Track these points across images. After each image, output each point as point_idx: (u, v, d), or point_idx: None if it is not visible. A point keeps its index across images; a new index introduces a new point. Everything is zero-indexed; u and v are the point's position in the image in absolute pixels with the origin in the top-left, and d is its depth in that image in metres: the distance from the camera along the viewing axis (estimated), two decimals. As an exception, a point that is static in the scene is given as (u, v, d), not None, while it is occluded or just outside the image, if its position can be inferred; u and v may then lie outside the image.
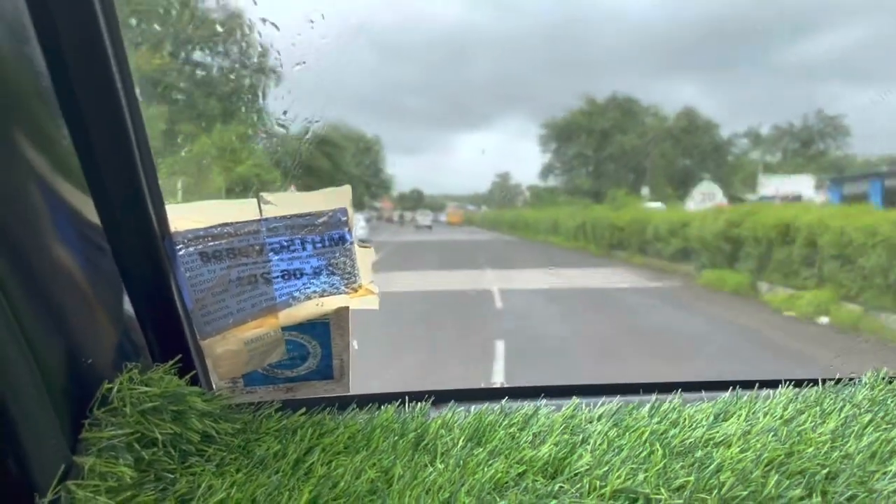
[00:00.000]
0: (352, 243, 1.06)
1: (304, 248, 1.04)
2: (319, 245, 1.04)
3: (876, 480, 0.86)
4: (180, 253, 0.98)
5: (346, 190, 1.04)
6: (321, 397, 1.10)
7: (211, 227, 0.99)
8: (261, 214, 1.00)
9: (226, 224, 0.99)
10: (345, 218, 1.04)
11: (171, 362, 0.92)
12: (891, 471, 0.88)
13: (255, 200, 0.99)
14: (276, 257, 1.03)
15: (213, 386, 1.08)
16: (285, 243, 1.03)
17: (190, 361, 0.98)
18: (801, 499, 0.83)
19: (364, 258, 1.08)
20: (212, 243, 0.99)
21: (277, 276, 1.04)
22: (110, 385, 0.84)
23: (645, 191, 31.32)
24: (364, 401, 1.10)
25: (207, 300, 1.01)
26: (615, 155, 37.89)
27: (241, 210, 0.99)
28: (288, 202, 1.01)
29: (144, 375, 0.88)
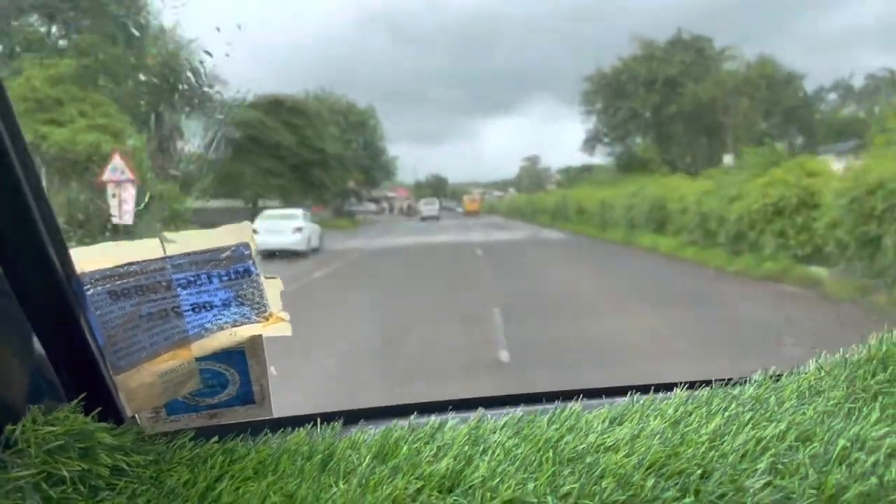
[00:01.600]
0: (258, 275, 1.10)
1: (210, 282, 1.07)
2: (225, 278, 1.08)
3: (746, 478, 0.93)
4: (89, 293, 1.01)
5: (247, 226, 1.08)
6: (233, 423, 1.14)
7: (117, 267, 1.02)
8: (164, 252, 1.03)
9: (131, 263, 1.02)
10: (247, 252, 1.08)
11: (75, 401, 0.95)
12: (759, 468, 0.95)
13: (156, 240, 1.03)
14: (185, 291, 1.07)
15: (135, 419, 1.11)
16: (192, 278, 1.06)
17: (101, 397, 1.01)
18: (676, 499, 0.89)
19: (272, 289, 1.12)
20: (119, 282, 1.03)
21: (188, 310, 1.08)
22: (13, 427, 0.87)
23: (728, 159, 22.52)
24: (277, 425, 1.14)
25: (119, 336, 1.04)
26: (685, 112, 27.89)
27: (144, 249, 1.02)
28: (189, 240, 1.05)
29: (49, 415, 0.91)
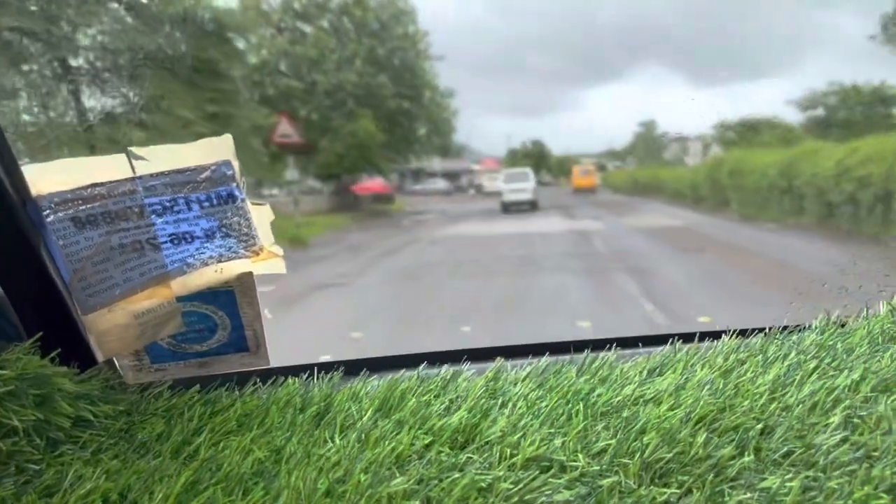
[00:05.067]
0: (243, 200, 0.95)
1: (189, 209, 0.93)
2: (206, 204, 0.94)
3: (816, 433, 0.79)
4: (49, 219, 0.88)
5: (227, 139, 0.93)
6: (217, 374, 1.01)
7: (79, 189, 0.88)
8: (133, 172, 0.90)
9: (96, 185, 0.88)
10: (230, 172, 0.93)
11: (30, 341, 0.83)
12: (832, 422, 0.80)
13: (123, 156, 0.89)
14: (160, 220, 0.93)
15: (109, 365, 0.99)
16: (167, 204, 0.92)
17: (66, 339, 0.89)
18: (732, 458, 0.75)
19: (261, 217, 0.98)
20: (84, 207, 0.89)
21: (166, 241, 0.94)
22: None
23: None
24: (268, 375, 1.01)
25: (87, 271, 0.91)
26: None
27: (108, 168, 0.88)
28: (162, 157, 0.90)
29: None
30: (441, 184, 35.22)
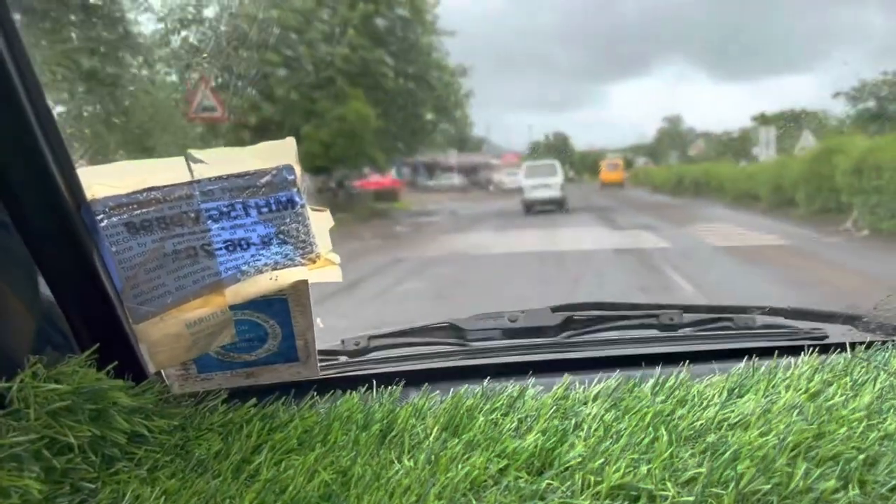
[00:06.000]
0: (303, 206, 0.91)
1: (247, 214, 0.89)
2: (265, 210, 0.90)
3: None
4: (102, 224, 0.84)
5: (290, 143, 0.89)
6: (277, 383, 0.97)
7: (134, 193, 0.84)
8: (191, 176, 0.86)
9: (151, 188, 0.85)
10: (292, 177, 0.89)
11: (86, 353, 0.79)
12: None
13: (182, 159, 0.85)
14: (216, 226, 0.89)
15: (159, 377, 0.95)
16: (224, 209, 0.88)
17: (118, 350, 0.85)
18: (836, 491, 0.69)
19: (320, 223, 0.94)
20: (139, 211, 0.85)
21: (220, 248, 0.90)
22: (8, 384, 0.71)
23: None
24: (326, 386, 0.97)
25: (139, 278, 0.88)
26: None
27: (166, 171, 0.85)
28: (222, 160, 0.86)
29: (53, 370, 0.75)
30: (456, 179, 32.67)
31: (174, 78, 11.80)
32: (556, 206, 15.62)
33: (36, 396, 0.72)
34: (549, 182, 15.92)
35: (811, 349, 1.03)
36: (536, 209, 15.60)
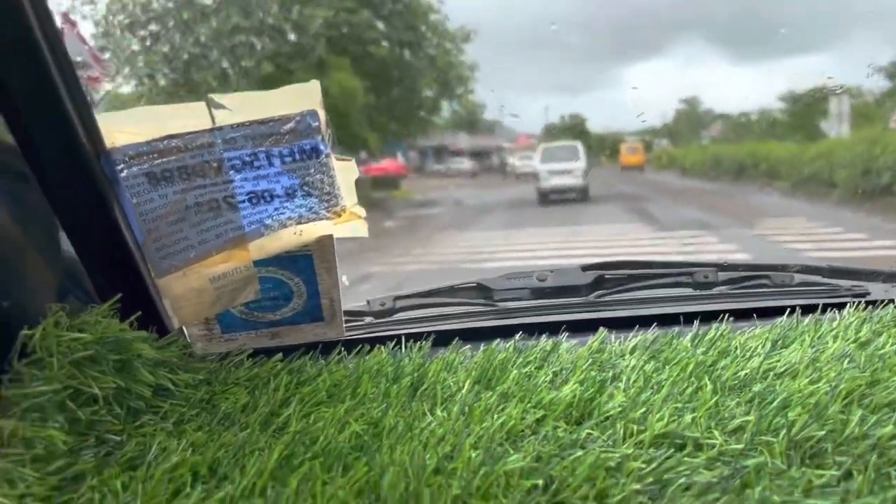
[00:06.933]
0: (328, 155, 0.88)
1: (270, 164, 0.87)
2: (289, 159, 0.87)
3: None
4: (123, 174, 0.82)
5: (314, 86, 0.86)
6: (301, 343, 0.95)
7: (155, 141, 0.82)
8: (213, 122, 0.83)
9: (172, 136, 0.82)
10: (316, 123, 0.86)
11: (108, 303, 0.77)
12: None
13: (203, 104, 0.82)
14: (239, 176, 0.86)
15: (182, 333, 0.93)
16: (247, 158, 0.86)
17: (140, 303, 0.83)
18: (893, 437, 0.66)
19: (345, 174, 0.91)
20: (159, 161, 0.83)
21: (244, 200, 0.88)
22: (31, 331, 0.69)
23: None
24: (353, 344, 0.94)
25: (161, 231, 0.85)
26: None
27: (187, 117, 0.82)
28: (245, 105, 0.83)
29: (76, 318, 0.72)
30: (466, 164, 30.55)
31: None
32: (577, 196, 13.38)
33: (59, 346, 0.70)
34: (570, 167, 13.66)
35: (856, 302, 0.99)
36: (553, 199, 13.51)
